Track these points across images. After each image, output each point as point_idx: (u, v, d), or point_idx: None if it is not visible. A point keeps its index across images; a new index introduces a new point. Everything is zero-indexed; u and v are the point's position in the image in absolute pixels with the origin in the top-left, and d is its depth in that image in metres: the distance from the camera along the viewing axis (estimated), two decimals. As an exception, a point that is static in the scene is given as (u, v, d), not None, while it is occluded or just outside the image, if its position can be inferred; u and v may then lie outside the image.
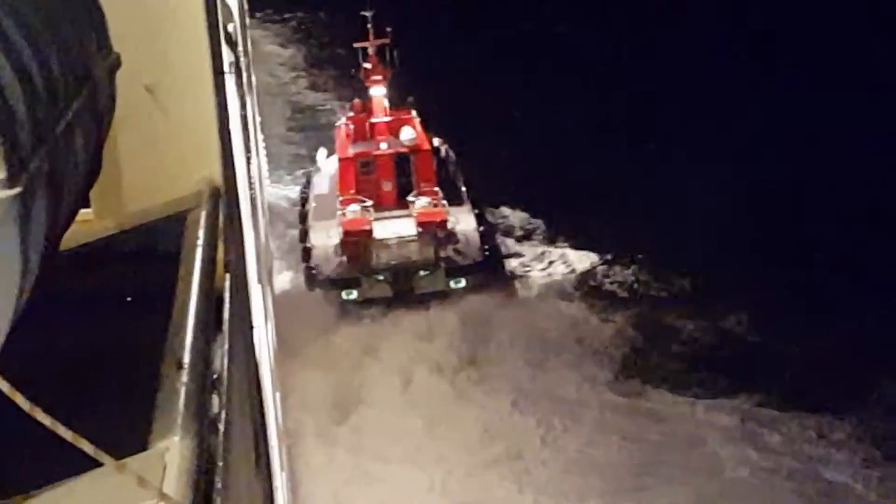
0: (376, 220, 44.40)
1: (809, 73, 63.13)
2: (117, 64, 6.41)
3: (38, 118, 3.93)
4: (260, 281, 17.30)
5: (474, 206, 46.78)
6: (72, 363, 5.83)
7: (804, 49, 66.81)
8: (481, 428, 36.07)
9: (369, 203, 44.95)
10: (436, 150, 49.10)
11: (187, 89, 9.15)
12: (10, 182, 3.39)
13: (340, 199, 45.87)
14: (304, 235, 46.26)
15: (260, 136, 37.61)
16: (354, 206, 44.74)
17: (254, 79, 35.29)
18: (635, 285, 47.05)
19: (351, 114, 49.93)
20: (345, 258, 43.62)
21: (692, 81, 64.70)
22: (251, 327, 12.65)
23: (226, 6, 15.85)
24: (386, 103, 48.64)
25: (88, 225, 8.11)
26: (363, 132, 48.64)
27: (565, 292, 46.63)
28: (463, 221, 45.03)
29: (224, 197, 9.00)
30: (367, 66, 49.14)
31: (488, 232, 46.24)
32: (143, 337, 5.97)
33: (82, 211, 6.52)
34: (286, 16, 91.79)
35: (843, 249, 45.75)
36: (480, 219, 46.13)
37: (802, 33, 68.32)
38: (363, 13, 49.34)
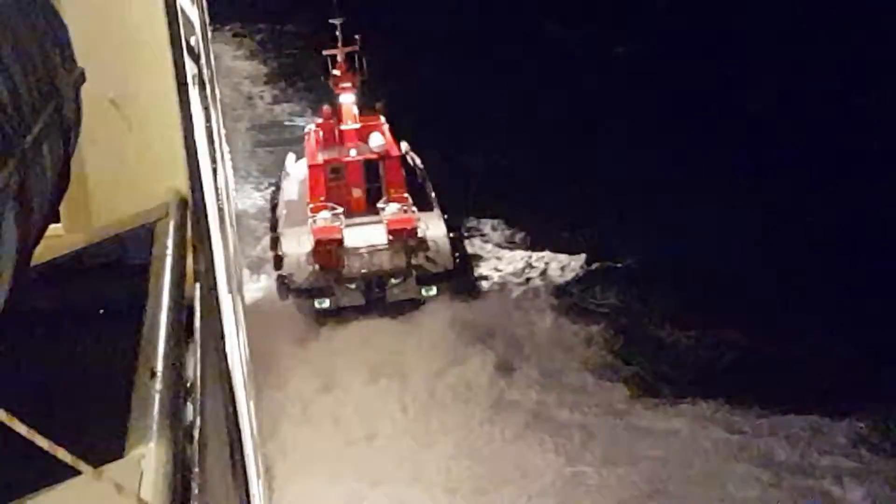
0: (347, 227, 44.10)
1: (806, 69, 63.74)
2: (82, 78, 6.45)
3: (5, 133, 3.98)
4: (230, 290, 17.33)
5: (444, 212, 46.51)
6: (47, 374, 5.87)
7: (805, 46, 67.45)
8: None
9: (339, 210, 44.71)
10: (404, 157, 49.06)
11: (152, 102, 9.20)
12: (-19, 197, 3.45)
13: (311, 206, 45.67)
14: (274, 243, 45.98)
15: (226, 148, 37.59)
16: (325, 214, 44.53)
17: (217, 91, 35.26)
18: (618, 297, 47.17)
19: (320, 120, 49.82)
20: (317, 266, 43.28)
21: (681, 79, 65.09)
22: (223, 336, 12.68)
23: (187, 20, 15.88)
24: (355, 110, 48.56)
25: (58, 239, 8.15)
26: (332, 138, 48.50)
27: (542, 299, 46.85)
28: (433, 227, 44.79)
29: (192, 207, 9.05)
30: (336, 73, 49.06)
31: (459, 238, 46.16)
32: (115, 347, 6.01)
33: (52, 226, 6.55)
34: (258, 26, 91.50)
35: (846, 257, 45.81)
36: (450, 225, 45.82)
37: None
38: (332, 20, 49.33)
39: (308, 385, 38.49)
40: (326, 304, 42.70)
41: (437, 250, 43.82)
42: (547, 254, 50.24)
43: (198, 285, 7.98)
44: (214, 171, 17.93)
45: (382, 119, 49.27)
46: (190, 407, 5.84)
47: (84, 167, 8.65)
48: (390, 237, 43.43)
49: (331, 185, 46.19)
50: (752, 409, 36.22)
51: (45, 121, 4.86)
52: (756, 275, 44.66)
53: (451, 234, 44.91)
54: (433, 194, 47.90)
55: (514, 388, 38.40)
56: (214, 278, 11.93)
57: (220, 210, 17.97)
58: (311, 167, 47.17)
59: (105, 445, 4.67)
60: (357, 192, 46.22)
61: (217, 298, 12.15)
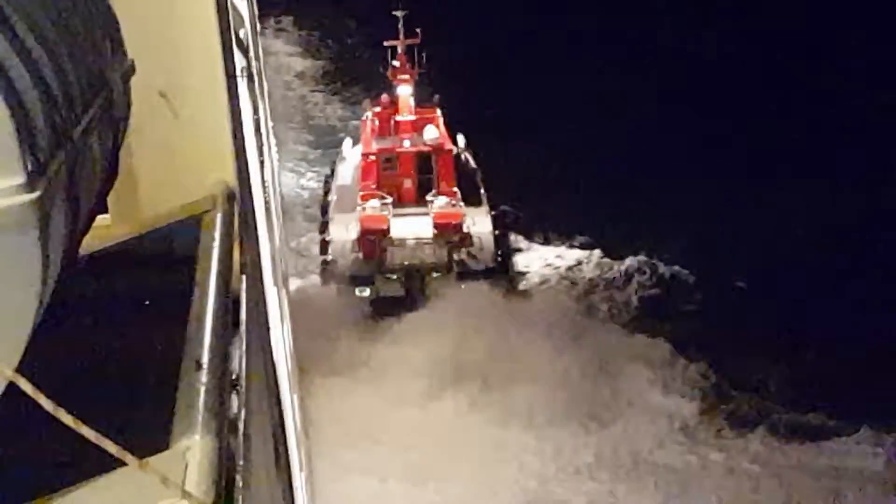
0: (394, 217, 44.80)
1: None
2: (132, 70, 6.47)
3: (56, 124, 3.99)
4: (275, 283, 17.37)
5: (492, 208, 47.08)
6: (93, 365, 5.89)
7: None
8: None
9: (389, 200, 45.43)
10: (457, 152, 49.51)
11: (200, 94, 9.22)
12: (30, 186, 3.45)
13: (361, 193, 46.36)
14: (323, 227, 47.03)
15: (273, 140, 37.77)
16: (374, 202, 45.25)
17: (265, 83, 35.39)
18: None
19: (377, 109, 50.37)
20: (360, 255, 44.06)
21: (716, 84, 64.54)
22: (268, 329, 12.71)
23: (237, 12, 15.92)
24: (412, 102, 49.15)
25: (106, 230, 8.18)
26: (388, 128, 49.22)
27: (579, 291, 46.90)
28: (479, 223, 45.34)
29: (238, 200, 9.07)
30: (396, 64, 49.92)
31: (503, 234, 46.64)
32: (161, 338, 6.02)
33: (99, 216, 6.57)
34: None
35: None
36: (497, 221, 46.42)
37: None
38: (395, 13, 50.31)
39: None
40: (367, 292, 43.38)
41: (482, 247, 44.38)
42: (596, 252, 50.33)
43: (244, 277, 7.99)
44: (261, 163, 17.98)
45: (438, 112, 49.77)
46: (235, 399, 5.85)
47: (132, 158, 8.68)
48: (435, 231, 44.13)
49: (383, 174, 46.76)
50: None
51: (95, 112, 4.87)
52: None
53: (497, 231, 45.42)
54: (483, 190, 48.23)
55: None
56: (260, 270, 11.97)
57: (267, 202, 18.01)
58: (364, 155, 47.92)
59: (150, 437, 4.67)
60: (408, 183, 46.80)
61: (263, 291, 12.18)
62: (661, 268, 48.42)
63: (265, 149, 21.34)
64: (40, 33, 4.18)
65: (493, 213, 46.62)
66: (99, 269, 7.41)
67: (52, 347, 4.44)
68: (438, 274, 43.47)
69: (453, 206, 45.27)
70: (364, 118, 51.86)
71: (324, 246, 45.55)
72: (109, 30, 6.18)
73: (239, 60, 12.92)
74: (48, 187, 3.62)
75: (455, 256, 43.86)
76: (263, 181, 17.69)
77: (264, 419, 9.05)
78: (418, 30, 50.02)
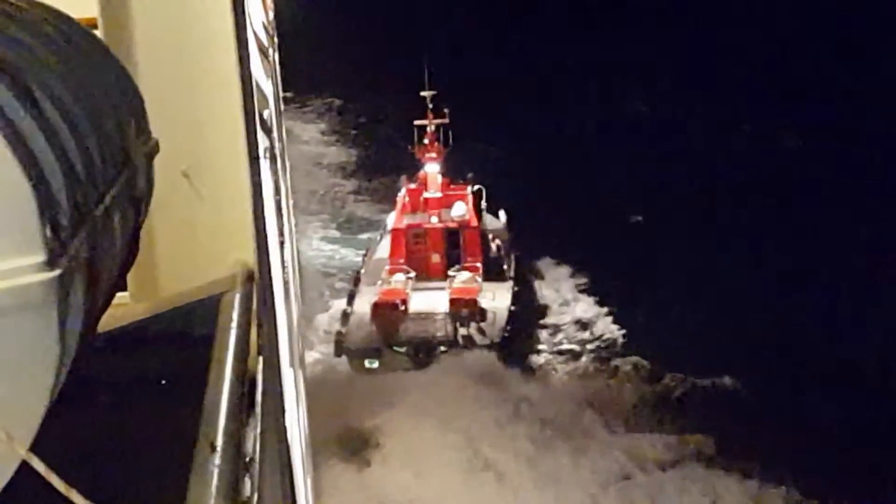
0: (415, 290, 46.17)
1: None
2: (156, 149, 6.50)
3: (78, 202, 3.99)
4: (292, 365, 17.31)
5: (517, 283, 48.51)
6: (107, 445, 5.85)
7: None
8: None
9: (412, 274, 46.95)
10: (492, 227, 51.06)
11: (223, 174, 9.26)
12: (50, 264, 3.44)
13: (388, 267, 48.09)
14: (350, 299, 48.09)
15: (293, 221, 37.98)
16: (399, 276, 46.88)
17: (287, 163, 35.63)
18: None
19: (412, 186, 51.88)
20: (374, 328, 45.05)
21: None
22: (283, 411, 12.64)
23: (261, 93, 16.04)
24: (440, 179, 50.59)
25: (125, 308, 8.18)
26: (419, 204, 50.62)
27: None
28: (499, 298, 46.34)
29: (258, 280, 9.06)
30: (425, 142, 51.39)
31: (519, 311, 47.23)
32: (176, 419, 5.99)
33: (119, 294, 6.57)
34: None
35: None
36: (518, 296, 47.48)
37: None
38: (423, 93, 51.72)
39: None
40: (376, 364, 44.15)
41: (493, 322, 45.22)
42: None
43: (261, 359, 7.96)
44: (282, 244, 18.01)
45: (469, 189, 51.18)
46: (248, 482, 5.79)
47: (153, 236, 8.69)
48: (451, 305, 45.10)
49: (413, 248, 48.67)
50: None
51: (118, 190, 4.88)
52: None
53: (513, 307, 46.30)
54: (510, 265, 49.83)
55: None
56: (277, 352, 11.93)
57: (286, 283, 18.01)
58: (393, 230, 49.92)
59: (162, 519, 4.63)
60: (436, 258, 48.60)
61: (279, 373, 12.14)
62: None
63: (285, 229, 21.39)
64: (65, 109, 4.19)
65: (515, 288, 47.66)
66: (117, 347, 7.40)
67: (68, 426, 4.40)
68: (444, 349, 43.98)
69: (475, 281, 46.47)
70: (399, 195, 52.98)
71: (344, 317, 46.39)
72: (134, 108, 6.22)
73: (262, 141, 12.98)
74: (68, 266, 3.61)
75: (464, 331, 44.41)
76: (283, 262, 17.71)
77: (277, 502, 8.97)
78: (446, 110, 51.23)
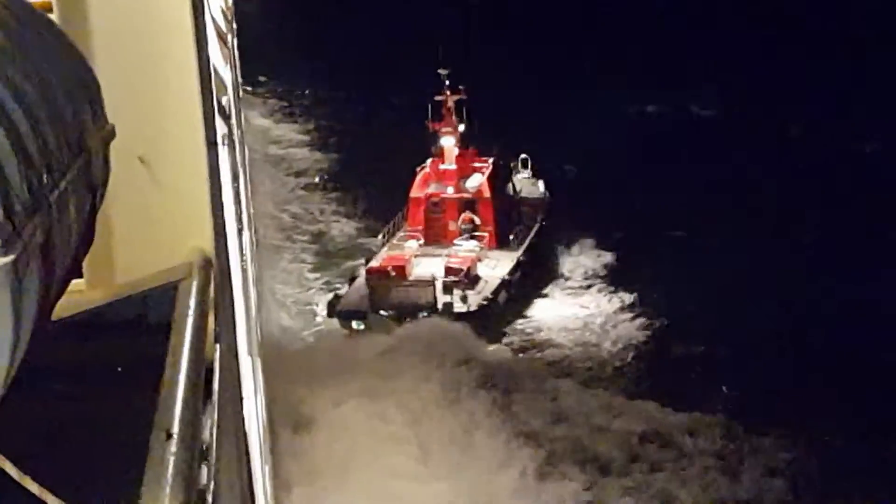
0: (419, 256, 49.87)
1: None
2: (112, 135, 6.44)
3: (33, 187, 3.95)
4: (250, 352, 17.26)
5: (527, 251, 52.25)
6: (62, 432, 5.81)
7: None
8: None
9: (422, 241, 51.25)
10: (503, 197, 54.38)
11: (180, 161, 9.19)
12: (5, 249, 3.40)
13: (403, 233, 52.91)
14: (367, 260, 51.62)
15: (251, 208, 37.80)
16: (412, 242, 51.39)
17: (247, 151, 35.49)
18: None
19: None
20: (366, 292, 48.28)
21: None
22: (241, 398, 12.61)
23: (220, 79, 15.96)
24: (455, 152, 54.27)
25: (80, 295, 8.12)
26: (438, 175, 54.72)
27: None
28: (500, 266, 50.24)
29: (216, 268, 9.02)
30: (441, 118, 55.09)
31: (513, 280, 50.24)
32: (132, 406, 5.95)
33: (74, 281, 6.51)
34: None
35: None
36: (518, 266, 50.84)
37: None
38: (439, 71, 55.32)
39: None
40: (362, 326, 47.22)
41: (482, 288, 48.42)
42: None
43: (218, 346, 7.92)
44: (240, 231, 17.93)
45: (490, 161, 55.25)
46: (204, 470, 5.77)
47: (109, 223, 8.62)
48: (445, 273, 48.21)
49: (431, 217, 52.97)
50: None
51: (73, 176, 4.83)
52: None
53: (508, 276, 49.32)
54: (528, 235, 53.93)
55: None
56: (235, 340, 11.88)
57: (244, 271, 17.94)
58: (412, 199, 53.97)
59: (118, 507, 4.60)
60: (453, 226, 52.81)
61: (237, 360, 12.09)
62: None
63: (244, 217, 21.30)
64: (18, 94, 4.15)
65: (521, 257, 51.30)
66: (72, 334, 7.34)
67: (21, 413, 4.36)
68: (425, 314, 46.50)
69: (478, 249, 50.67)
70: (422, 167, 56.12)
71: (351, 281, 50.25)
72: (90, 93, 6.16)
73: (220, 127, 12.91)
74: (23, 252, 3.57)
75: (447, 298, 46.88)
76: (241, 249, 17.64)
77: (234, 491, 8.94)
78: (461, 87, 54.81)
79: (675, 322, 48.21)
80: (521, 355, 47.83)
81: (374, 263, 49.63)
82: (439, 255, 49.98)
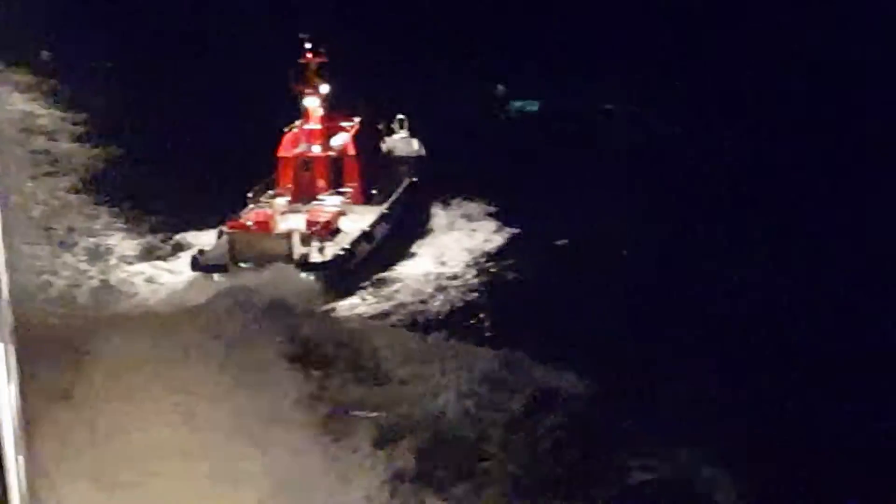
0: (283, 213, 51.91)
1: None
2: None
3: None
4: (1, 339, 16.67)
5: (393, 206, 55.03)
6: None
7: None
8: None
9: (288, 198, 53.54)
10: (367, 153, 56.97)
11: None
12: None
13: (272, 192, 54.56)
14: (228, 217, 52.92)
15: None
16: (280, 200, 53.30)
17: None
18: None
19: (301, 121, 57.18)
20: (228, 246, 50.57)
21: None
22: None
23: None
24: (320, 112, 56.52)
25: None
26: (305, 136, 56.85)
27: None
28: (360, 221, 52.65)
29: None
30: (305, 80, 56.52)
31: (372, 233, 52.56)
32: None
33: None
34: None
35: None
36: (382, 219, 53.57)
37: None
38: (301, 35, 56.66)
39: None
40: (224, 279, 48.62)
41: (337, 243, 50.63)
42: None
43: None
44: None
45: (355, 120, 57.62)
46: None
47: None
48: (306, 226, 50.55)
49: (301, 174, 55.55)
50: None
51: None
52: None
53: (368, 228, 52.17)
54: (394, 191, 56.43)
55: None
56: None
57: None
58: (280, 158, 55.93)
59: None
60: (321, 183, 55.55)
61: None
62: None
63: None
64: None
65: (385, 211, 54.04)
66: None
67: None
68: (282, 265, 48.61)
69: (340, 204, 53.68)
70: (288, 129, 57.75)
71: (219, 235, 51.68)
72: None
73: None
74: None
75: (305, 250, 49.28)
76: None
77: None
78: (322, 49, 56.53)
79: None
80: (367, 312, 48.55)
81: (236, 219, 51.75)
82: (299, 212, 52.56)
